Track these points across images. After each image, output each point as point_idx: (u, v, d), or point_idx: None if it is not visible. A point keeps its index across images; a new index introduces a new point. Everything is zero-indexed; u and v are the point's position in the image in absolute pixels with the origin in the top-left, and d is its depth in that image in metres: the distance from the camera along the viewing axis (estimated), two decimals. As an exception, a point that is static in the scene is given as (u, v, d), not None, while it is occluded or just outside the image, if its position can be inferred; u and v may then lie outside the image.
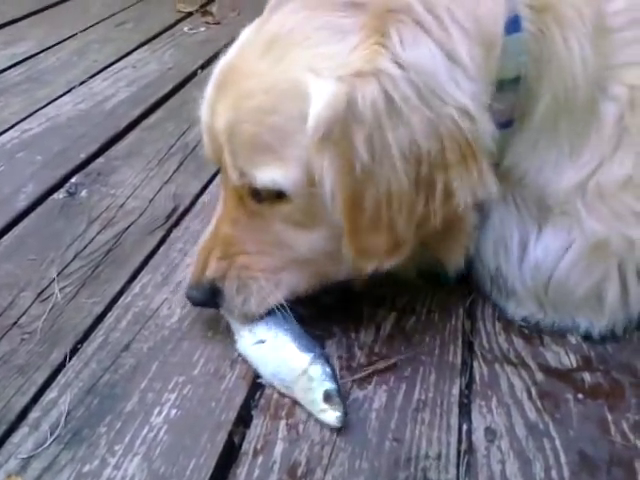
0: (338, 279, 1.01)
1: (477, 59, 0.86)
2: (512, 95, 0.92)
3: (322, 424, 0.89)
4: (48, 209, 1.39)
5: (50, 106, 1.89)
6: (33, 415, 0.90)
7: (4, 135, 1.71)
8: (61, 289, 1.14)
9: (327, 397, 0.88)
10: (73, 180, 1.50)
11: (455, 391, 0.95)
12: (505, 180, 0.96)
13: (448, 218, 0.90)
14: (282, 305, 0.98)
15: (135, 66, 2.21)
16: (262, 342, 0.97)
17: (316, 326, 1.03)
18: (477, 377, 0.98)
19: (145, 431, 0.88)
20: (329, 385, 0.89)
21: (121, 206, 1.40)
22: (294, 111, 0.85)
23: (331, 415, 0.88)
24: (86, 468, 0.83)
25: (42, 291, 1.14)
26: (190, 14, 2.78)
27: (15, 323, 1.07)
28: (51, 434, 0.87)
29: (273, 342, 0.96)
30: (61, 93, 1.98)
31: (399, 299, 1.12)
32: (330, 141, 0.82)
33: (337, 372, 0.95)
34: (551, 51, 0.91)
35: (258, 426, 0.90)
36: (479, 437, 0.88)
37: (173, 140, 1.70)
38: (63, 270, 1.19)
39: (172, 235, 1.31)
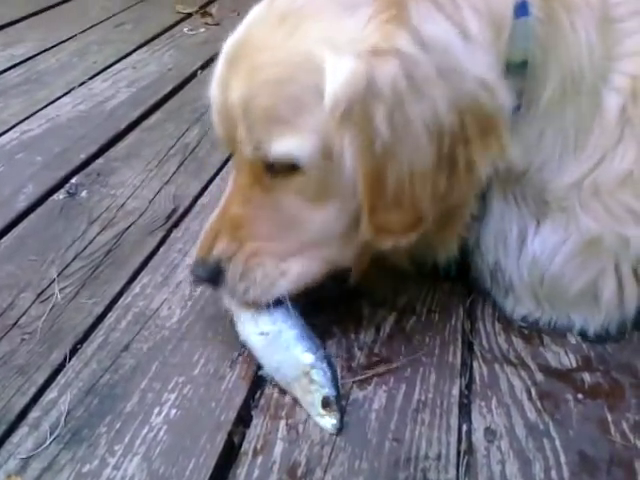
0: (344, 265, 1.00)
1: (488, 38, 0.87)
2: (519, 79, 0.91)
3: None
4: (48, 210, 1.39)
5: (50, 107, 1.90)
6: (33, 415, 0.90)
7: (4, 136, 1.71)
8: (61, 289, 1.14)
9: (326, 403, 0.88)
10: (73, 181, 1.51)
11: (455, 391, 0.95)
12: (508, 174, 0.96)
13: (459, 197, 0.90)
14: (285, 297, 0.96)
15: (135, 67, 2.22)
16: (266, 334, 0.96)
17: (316, 326, 1.02)
18: (477, 377, 0.98)
19: (145, 431, 0.88)
20: (329, 391, 0.89)
21: (121, 207, 1.40)
22: (309, 83, 0.84)
23: (327, 421, 0.88)
24: (86, 468, 0.83)
25: (42, 291, 1.14)
26: (190, 15, 2.78)
27: (15, 323, 1.07)
28: (51, 434, 0.87)
29: (277, 337, 0.95)
30: (61, 94, 1.98)
31: (399, 299, 1.12)
32: (350, 119, 0.82)
33: (339, 375, 0.95)
34: (558, 37, 0.91)
35: (258, 426, 0.90)
36: (479, 437, 0.88)
37: (173, 141, 1.71)
38: (63, 271, 1.19)
39: (172, 236, 1.31)
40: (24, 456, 0.85)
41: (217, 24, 2.66)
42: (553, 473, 0.83)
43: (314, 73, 0.83)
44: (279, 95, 0.86)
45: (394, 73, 0.80)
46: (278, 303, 0.98)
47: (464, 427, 0.90)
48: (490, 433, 0.88)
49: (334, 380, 0.91)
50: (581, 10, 0.91)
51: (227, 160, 1.61)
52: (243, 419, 0.91)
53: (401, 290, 1.13)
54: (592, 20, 0.91)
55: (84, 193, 1.46)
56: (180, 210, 1.40)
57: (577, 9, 0.91)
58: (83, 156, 1.61)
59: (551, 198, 0.99)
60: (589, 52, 0.91)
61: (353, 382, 0.96)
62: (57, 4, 2.90)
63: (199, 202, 1.43)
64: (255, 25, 0.93)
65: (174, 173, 1.55)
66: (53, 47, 2.38)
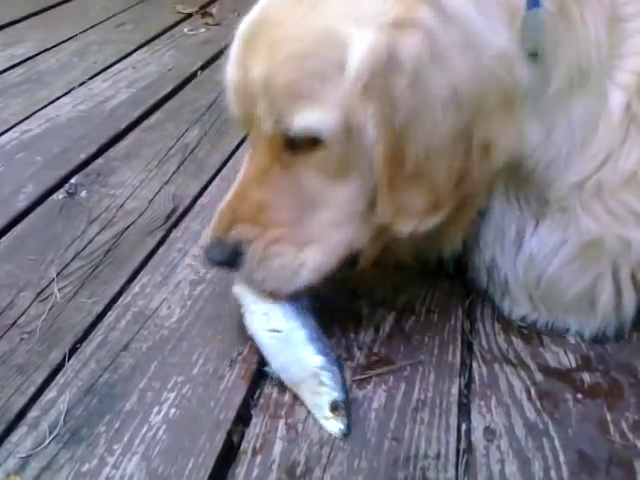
0: (359, 247, 0.97)
1: (506, 20, 0.87)
2: (530, 71, 0.90)
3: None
4: (48, 209, 1.39)
5: (50, 107, 1.90)
6: (32, 414, 0.90)
7: (4, 136, 1.71)
8: (60, 289, 1.14)
9: (334, 407, 0.88)
10: (73, 181, 1.50)
11: (454, 391, 0.95)
12: (514, 171, 0.96)
13: (473, 183, 0.90)
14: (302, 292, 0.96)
15: (135, 67, 2.22)
16: (277, 331, 0.95)
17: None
18: (476, 377, 0.98)
19: (144, 430, 0.88)
20: (338, 395, 0.88)
21: (120, 207, 1.40)
22: (331, 56, 0.84)
23: (334, 425, 0.87)
24: (85, 467, 0.83)
25: (41, 291, 1.14)
26: (190, 15, 2.78)
27: (14, 323, 1.06)
28: (50, 433, 0.87)
29: (288, 335, 0.94)
30: (61, 94, 1.98)
31: (398, 299, 1.12)
32: (372, 91, 0.82)
33: (347, 379, 0.94)
34: (568, 30, 0.91)
35: (257, 425, 0.90)
36: (478, 437, 0.88)
37: (172, 141, 1.71)
38: (62, 270, 1.19)
39: (171, 235, 1.31)
40: (23, 455, 0.84)
41: (217, 24, 2.66)
42: (552, 472, 0.83)
43: (336, 47, 0.83)
44: (301, 69, 0.86)
45: (416, 45, 0.80)
46: (293, 298, 0.96)
47: (463, 426, 0.90)
48: (489, 432, 0.88)
49: (343, 384, 0.90)
50: (592, 5, 0.91)
51: (227, 161, 1.61)
52: (242, 418, 0.91)
53: (400, 290, 1.13)
54: (602, 16, 0.92)
55: (84, 193, 1.46)
56: (179, 210, 1.40)
57: (588, 3, 0.91)
58: (83, 156, 1.61)
59: (552, 197, 0.98)
60: (597, 48, 0.91)
61: (353, 381, 0.96)
62: (57, 4, 2.90)
63: (198, 202, 1.43)
64: (272, 4, 0.92)
65: (174, 173, 1.55)
66: (53, 47, 2.38)
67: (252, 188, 0.95)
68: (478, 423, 0.90)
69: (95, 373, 0.97)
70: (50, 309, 1.10)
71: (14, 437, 0.87)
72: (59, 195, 1.45)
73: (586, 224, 0.97)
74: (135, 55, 2.33)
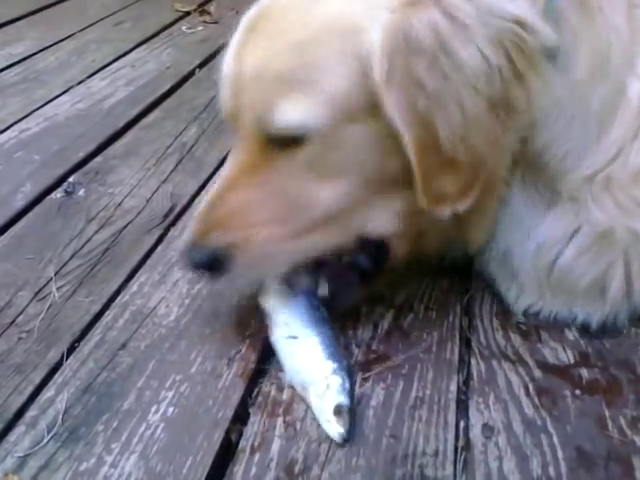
0: (380, 235, 0.96)
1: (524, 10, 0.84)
2: (549, 60, 0.88)
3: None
4: (46, 208, 1.39)
5: (48, 106, 1.90)
6: (30, 414, 0.90)
7: (2, 135, 1.71)
8: (58, 288, 1.14)
9: (337, 411, 0.87)
10: (71, 179, 1.50)
11: (453, 388, 0.95)
12: (529, 162, 0.95)
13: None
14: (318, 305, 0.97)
15: (133, 65, 2.22)
16: (294, 338, 0.96)
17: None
18: (475, 374, 0.97)
19: (142, 429, 0.88)
20: (343, 399, 0.88)
21: (119, 205, 1.40)
22: (334, 46, 0.82)
23: (335, 429, 0.86)
24: (83, 466, 0.83)
25: (39, 290, 1.14)
26: (188, 13, 2.78)
27: (12, 322, 1.06)
28: (48, 432, 0.87)
29: (304, 341, 0.95)
30: (59, 93, 1.98)
31: (396, 297, 1.12)
32: (394, 76, 0.79)
33: (357, 386, 0.94)
34: (587, 19, 0.89)
35: (255, 424, 0.90)
36: (476, 434, 0.88)
37: (171, 140, 1.70)
38: (61, 269, 1.19)
39: (169, 234, 1.31)
40: (21, 454, 0.84)
41: (215, 22, 2.65)
42: (550, 469, 0.83)
43: (341, 36, 0.82)
44: (298, 58, 0.84)
45: (434, 19, 0.78)
46: (305, 301, 0.98)
47: (461, 423, 0.90)
48: (487, 429, 0.88)
49: (350, 390, 0.90)
50: None
51: (224, 159, 1.60)
52: (240, 417, 0.91)
53: (398, 287, 1.13)
54: (620, 3, 0.90)
55: (82, 192, 1.45)
56: (177, 208, 1.40)
57: None
58: (81, 155, 1.61)
59: (564, 189, 0.97)
60: (617, 36, 0.90)
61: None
62: (56, 2, 2.89)
63: (196, 201, 1.43)
64: None
65: (172, 172, 1.55)
66: (52, 46, 2.37)
67: (233, 188, 0.93)
68: (476, 420, 0.90)
69: (93, 372, 0.97)
70: (48, 308, 1.10)
71: (12, 436, 0.87)
72: (57, 194, 1.45)
73: (596, 216, 0.96)
74: (133, 53, 2.33)
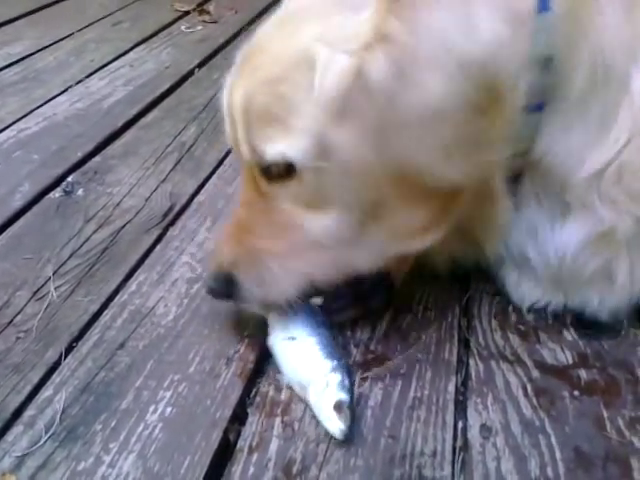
0: (367, 270, 0.97)
1: (501, 34, 0.82)
2: (543, 76, 0.88)
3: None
4: (44, 208, 1.39)
5: (47, 105, 1.89)
6: (28, 413, 0.90)
7: (1, 135, 1.71)
8: (57, 288, 1.14)
9: (338, 407, 0.87)
10: (69, 179, 1.50)
11: (451, 388, 0.95)
12: (533, 172, 0.95)
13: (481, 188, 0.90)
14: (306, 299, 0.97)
15: (132, 65, 2.21)
16: (292, 339, 0.96)
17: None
18: (473, 374, 0.97)
19: (140, 429, 0.88)
20: (343, 395, 0.88)
21: (117, 205, 1.40)
22: (302, 81, 0.83)
23: (336, 425, 0.86)
24: (81, 466, 0.83)
25: (38, 290, 1.14)
26: (187, 13, 2.77)
27: (10, 322, 1.06)
28: (46, 432, 0.87)
29: (301, 341, 0.96)
30: (58, 92, 1.98)
31: (395, 297, 1.12)
32: (345, 116, 0.81)
33: (355, 386, 0.94)
34: (584, 24, 0.88)
35: (253, 424, 0.90)
36: (474, 434, 0.88)
37: (170, 139, 1.70)
38: (59, 269, 1.19)
39: (168, 234, 1.31)
40: (19, 454, 0.84)
41: (215, 22, 2.65)
42: (548, 469, 0.83)
43: (308, 71, 0.82)
44: (273, 93, 0.85)
45: (383, 65, 0.78)
46: (304, 306, 0.98)
47: (460, 424, 0.90)
48: (486, 430, 0.88)
49: (349, 388, 0.90)
50: None
51: (223, 159, 1.61)
52: (239, 417, 0.91)
53: (397, 288, 1.13)
54: (620, 3, 0.88)
55: (80, 191, 1.45)
56: (176, 208, 1.40)
57: None
58: (80, 154, 1.61)
59: (572, 197, 0.96)
60: (617, 32, 0.88)
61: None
62: (55, 2, 2.89)
63: (195, 200, 1.43)
64: (264, 30, 0.93)
65: (171, 171, 1.55)
66: (50, 45, 2.37)
67: (239, 213, 0.98)
68: (474, 420, 0.90)
69: (91, 372, 0.97)
70: (46, 308, 1.10)
71: (10, 436, 0.87)
72: (56, 194, 1.45)
73: (602, 214, 0.94)
74: (132, 53, 2.33)
